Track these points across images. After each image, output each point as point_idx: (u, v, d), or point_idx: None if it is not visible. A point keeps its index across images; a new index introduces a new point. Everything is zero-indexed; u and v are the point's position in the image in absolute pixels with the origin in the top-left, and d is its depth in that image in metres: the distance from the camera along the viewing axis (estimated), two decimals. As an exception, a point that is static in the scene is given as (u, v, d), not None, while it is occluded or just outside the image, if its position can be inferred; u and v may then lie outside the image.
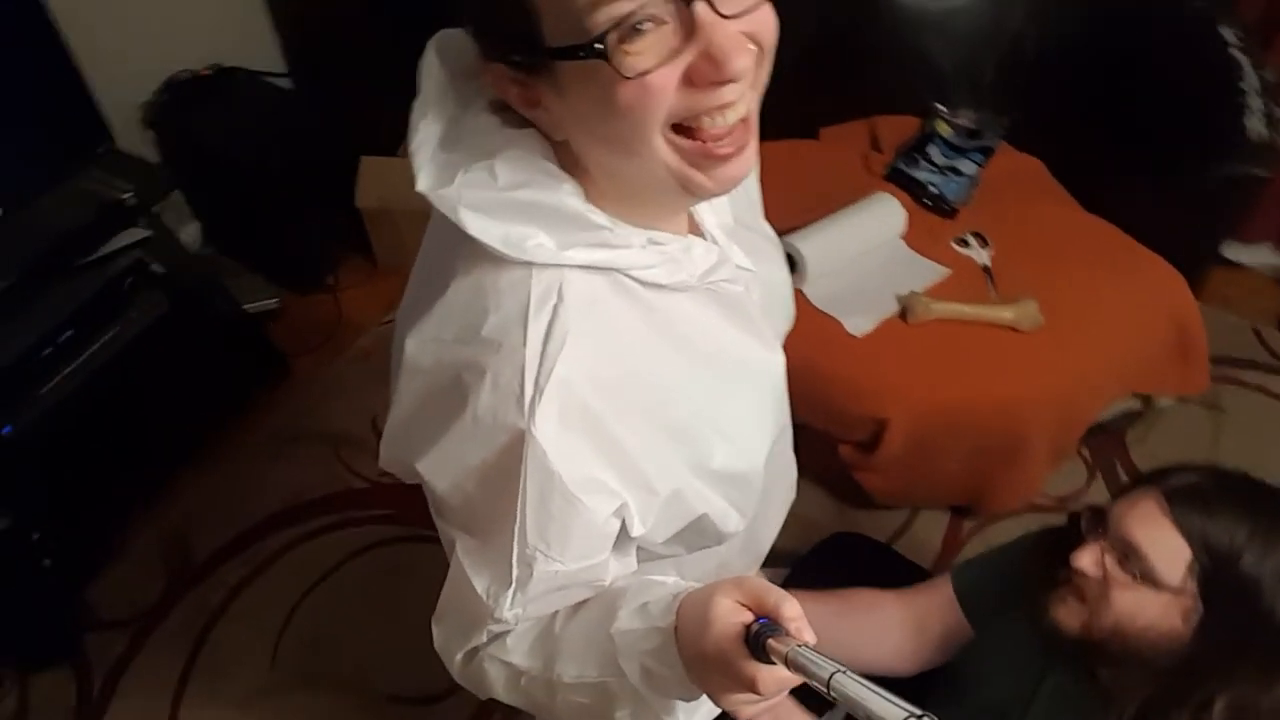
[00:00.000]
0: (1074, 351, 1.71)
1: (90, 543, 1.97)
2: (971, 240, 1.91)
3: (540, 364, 0.66)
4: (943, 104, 2.12)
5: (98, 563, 1.97)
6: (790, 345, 1.84)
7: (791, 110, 2.11)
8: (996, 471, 1.75)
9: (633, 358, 0.71)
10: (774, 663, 0.58)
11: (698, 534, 0.82)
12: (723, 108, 0.62)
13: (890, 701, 0.51)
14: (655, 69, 0.59)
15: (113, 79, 2.05)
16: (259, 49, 2.50)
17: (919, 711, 0.50)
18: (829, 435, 1.82)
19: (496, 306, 0.68)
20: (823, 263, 1.82)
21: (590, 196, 0.69)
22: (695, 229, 0.79)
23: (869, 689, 0.53)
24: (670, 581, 0.72)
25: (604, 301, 0.70)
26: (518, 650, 0.75)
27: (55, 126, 1.88)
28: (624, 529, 0.74)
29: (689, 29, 0.58)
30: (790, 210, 1.87)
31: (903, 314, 1.78)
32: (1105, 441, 2.03)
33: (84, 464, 1.90)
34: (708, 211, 0.79)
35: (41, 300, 1.83)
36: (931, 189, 2.00)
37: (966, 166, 2.03)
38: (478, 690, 0.82)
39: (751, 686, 0.59)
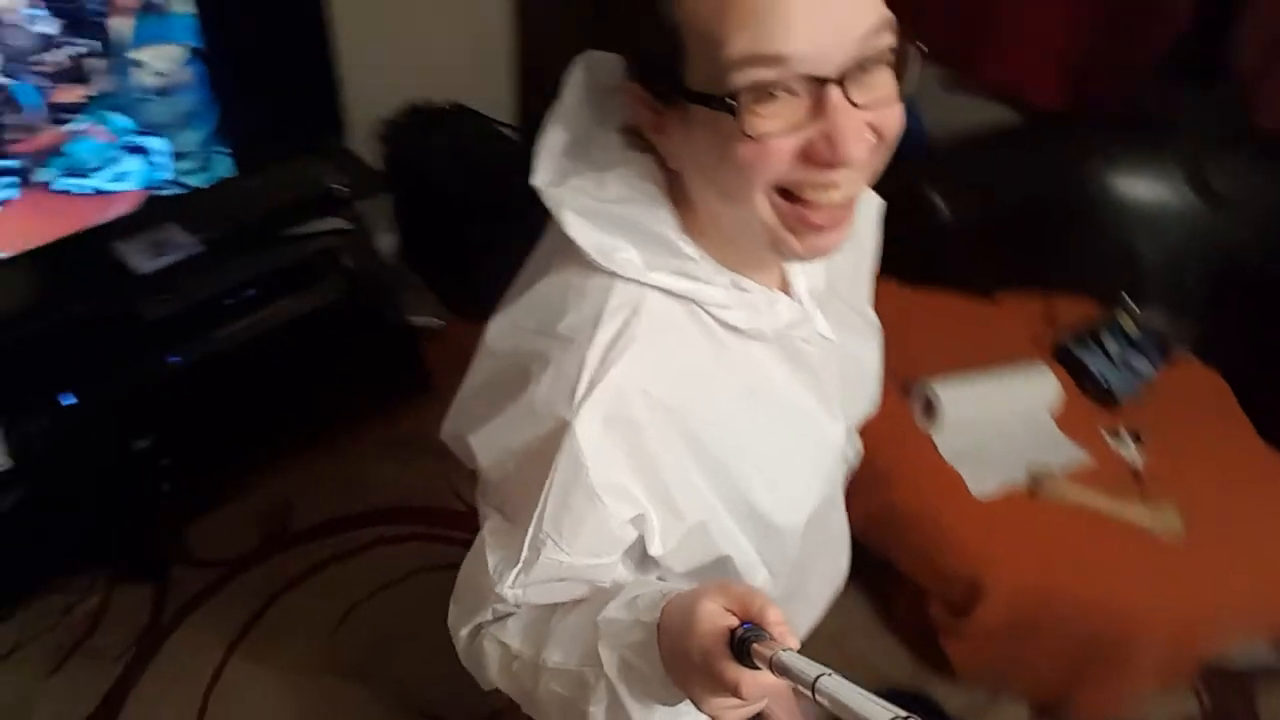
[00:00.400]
0: (1209, 575, 1.58)
1: (206, 483, 2.11)
2: (1125, 435, 1.81)
3: (599, 366, 0.69)
4: (1132, 297, 2.05)
5: (205, 504, 2.10)
6: (905, 490, 1.81)
7: (974, 268, 2.12)
8: (1093, 676, 1.60)
9: (691, 386, 0.73)
10: (758, 668, 0.57)
11: (721, 576, 0.80)
12: (828, 186, 0.64)
13: (875, 703, 0.50)
14: (776, 135, 0.61)
15: (364, 89, 2.27)
16: (498, 98, 2.72)
17: (904, 713, 0.49)
18: (923, 589, 1.73)
19: (576, 307, 0.71)
20: (960, 413, 1.77)
21: (688, 228, 0.72)
22: (785, 287, 0.80)
23: (855, 691, 0.52)
24: (666, 583, 0.71)
25: (677, 328, 0.72)
26: (514, 631, 0.76)
27: (303, 114, 2.10)
28: (645, 547, 0.74)
29: (818, 107, 0.61)
30: (945, 359, 1.85)
31: (1031, 488, 1.70)
32: (1230, 685, 1.83)
33: (224, 410, 2.05)
34: (799, 273, 0.80)
35: (241, 255, 2.02)
36: (1098, 376, 1.92)
37: (1141, 365, 1.94)
38: (477, 673, 0.82)
39: (735, 690, 0.58)
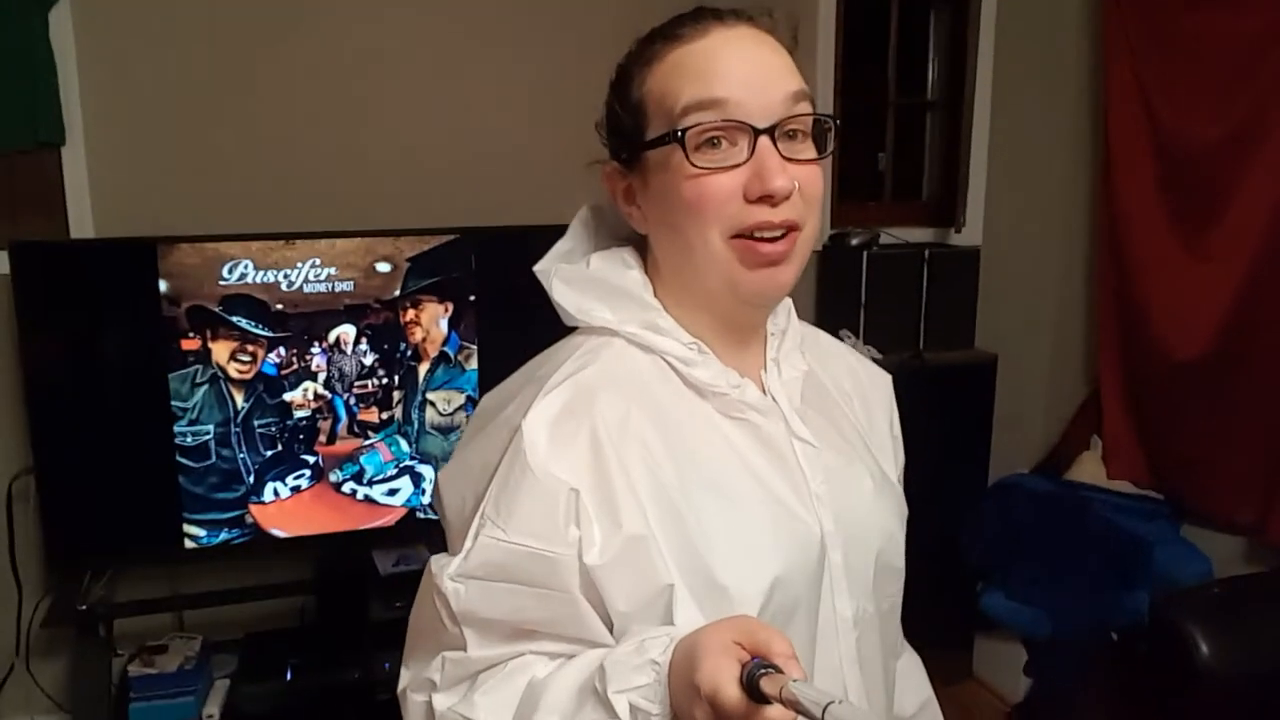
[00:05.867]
0: None
1: None
2: None
3: (559, 381, 0.77)
4: None
5: None
6: None
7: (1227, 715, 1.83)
8: None
9: (646, 421, 0.77)
10: (769, 703, 0.58)
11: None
12: (769, 224, 0.75)
13: None
14: (716, 171, 0.75)
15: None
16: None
17: None
18: None
19: (554, 357, 0.83)
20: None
21: (658, 293, 0.83)
22: (762, 387, 0.85)
23: (865, 715, 0.53)
24: (669, 629, 0.70)
25: (641, 373, 0.80)
26: (485, 707, 0.72)
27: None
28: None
29: (752, 154, 0.75)
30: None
31: None
32: None
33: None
34: (775, 377, 0.86)
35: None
36: None
37: None
38: None
39: None
